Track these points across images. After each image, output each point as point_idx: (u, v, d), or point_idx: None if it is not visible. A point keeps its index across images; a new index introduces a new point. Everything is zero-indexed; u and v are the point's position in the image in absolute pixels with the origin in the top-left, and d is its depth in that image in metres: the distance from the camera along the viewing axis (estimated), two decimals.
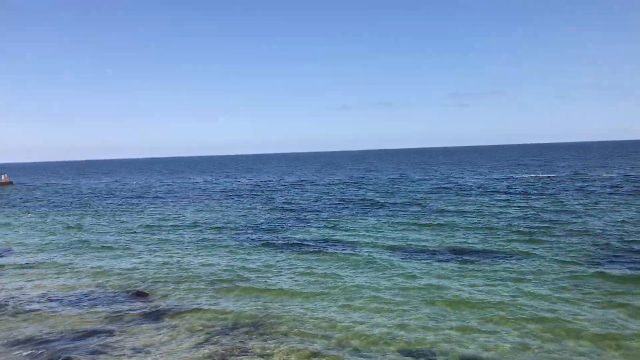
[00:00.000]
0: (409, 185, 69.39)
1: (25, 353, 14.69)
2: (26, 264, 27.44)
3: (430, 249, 27.21)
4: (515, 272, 21.77)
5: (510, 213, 39.00)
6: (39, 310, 18.97)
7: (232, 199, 61.15)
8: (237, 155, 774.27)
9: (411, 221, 36.75)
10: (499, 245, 27.48)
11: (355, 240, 30.41)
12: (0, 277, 24.50)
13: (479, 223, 34.70)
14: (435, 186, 66.25)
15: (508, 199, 48.12)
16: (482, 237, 29.92)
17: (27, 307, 19.38)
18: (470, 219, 36.90)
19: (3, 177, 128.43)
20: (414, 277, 21.60)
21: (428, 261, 24.34)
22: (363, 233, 32.66)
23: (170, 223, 41.25)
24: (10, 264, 27.45)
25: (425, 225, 34.84)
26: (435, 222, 35.58)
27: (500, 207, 42.81)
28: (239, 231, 35.68)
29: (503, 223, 34.33)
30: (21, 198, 76.67)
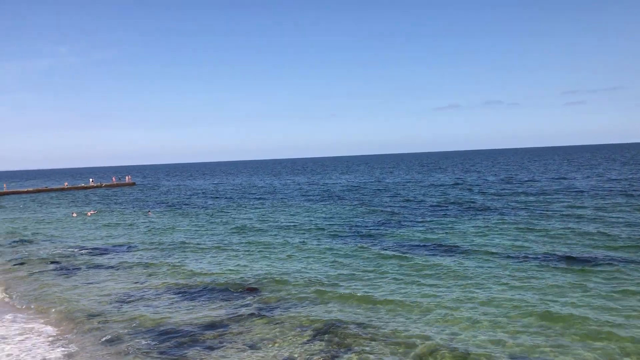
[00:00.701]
0: (517, 187, 66.66)
1: (145, 342, 15.92)
2: (145, 261, 29.55)
3: (540, 256, 25.69)
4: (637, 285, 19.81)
5: (634, 220, 35.46)
6: (158, 304, 20.43)
7: (333, 200, 61.95)
8: (340, 157, 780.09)
9: (519, 226, 34.99)
10: (620, 254, 25.50)
11: (458, 245, 29.54)
12: (121, 273, 26.62)
13: (594, 229, 32.50)
14: (546, 188, 63.16)
15: (631, 203, 44.74)
16: (597, 244, 28.12)
17: (147, 302, 20.94)
18: (584, 224, 34.69)
19: (127, 179, 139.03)
20: (522, 288, 20.19)
21: (539, 270, 23.16)
22: (466, 238, 31.72)
23: (272, 224, 42.63)
24: (130, 261, 29.75)
25: (533, 230, 33.10)
26: (546, 228, 33.84)
27: (622, 211, 39.90)
28: (338, 233, 36.08)
29: (625, 231, 31.30)
30: (142, 198, 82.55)
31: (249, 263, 27.41)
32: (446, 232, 33.87)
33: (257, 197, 73.53)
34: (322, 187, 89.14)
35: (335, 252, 29.27)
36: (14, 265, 29.98)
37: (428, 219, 40.83)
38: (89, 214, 58.49)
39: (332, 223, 41.39)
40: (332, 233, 36.22)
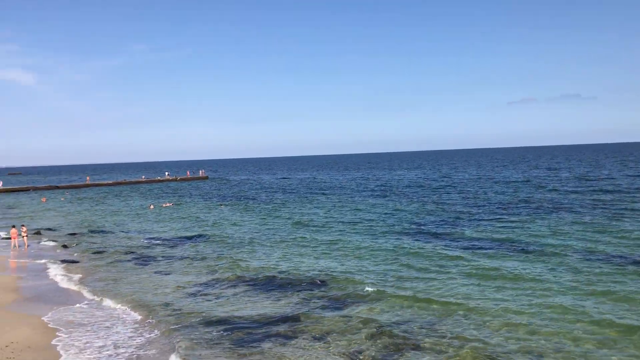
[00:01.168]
0: (593, 185, 63.68)
1: (216, 333, 16.54)
2: (216, 254, 30.49)
3: (617, 260, 24.12)
4: None
5: None
6: (228, 296, 21.12)
7: (398, 196, 61.52)
8: (408, 152, 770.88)
9: (594, 227, 33.22)
10: None
11: (527, 246, 28.52)
12: (194, 265, 27.64)
13: None
14: (625, 186, 60.01)
15: None
16: None
17: (218, 294, 21.69)
18: None
19: (201, 172, 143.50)
20: (595, 295, 18.92)
21: (616, 276, 21.74)
22: (536, 239, 30.48)
23: (338, 220, 42.88)
24: (202, 253, 30.80)
25: (610, 232, 31.27)
26: (624, 229, 31.88)
27: None
28: (402, 231, 35.92)
29: None
30: (214, 192, 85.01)
31: (315, 258, 27.79)
32: (515, 232, 32.92)
33: (323, 192, 74.13)
34: (389, 183, 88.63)
35: (399, 250, 29.13)
36: (93, 253, 31.74)
37: (496, 218, 39.83)
38: (164, 205, 60.86)
39: (397, 220, 41.19)
40: (397, 230, 36.08)
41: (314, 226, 39.83)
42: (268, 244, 32.77)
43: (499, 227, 35.52)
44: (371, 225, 38.71)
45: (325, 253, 29.13)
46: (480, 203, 50.70)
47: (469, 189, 67.63)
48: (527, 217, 39.60)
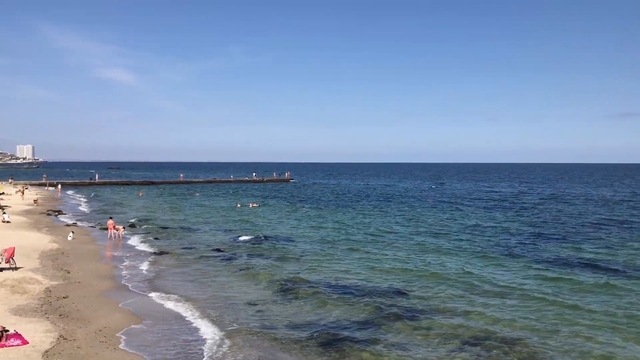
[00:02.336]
0: None
1: (304, 334, 16.59)
2: (298, 255, 30.85)
3: None
4: None
5: None
6: (311, 299, 21.22)
7: (486, 208, 59.65)
8: (497, 164, 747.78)
9: None
10: None
11: (624, 269, 27.01)
12: (278, 264, 28.02)
13: None
14: None
15: None
16: None
17: (301, 294, 21.81)
18: None
19: (287, 175, 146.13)
20: None
21: None
22: (634, 261, 28.79)
23: (422, 228, 42.20)
24: (286, 254, 31.23)
25: None
26: None
27: None
28: (489, 244, 34.76)
29: None
30: (298, 194, 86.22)
31: (396, 266, 27.39)
32: (616, 254, 30.97)
33: (406, 200, 73.36)
34: (477, 194, 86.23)
35: (485, 263, 28.21)
36: (182, 248, 32.96)
37: (592, 237, 37.69)
38: (251, 205, 62.38)
39: (484, 232, 39.88)
40: (483, 243, 34.87)
41: (395, 233, 39.37)
42: (349, 249, 32.77)
43: (598, 247, 33.56)
44: (457, 237, 37.72)
45: (407, 260, 28.68)
46: (576, 221, 48.07)
47: (564, 206, 64.37)
48: (624, 237, 37.10)
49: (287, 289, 22.55)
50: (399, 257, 30.09)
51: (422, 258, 29.65)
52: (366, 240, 36.33)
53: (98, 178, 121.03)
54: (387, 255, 30.66)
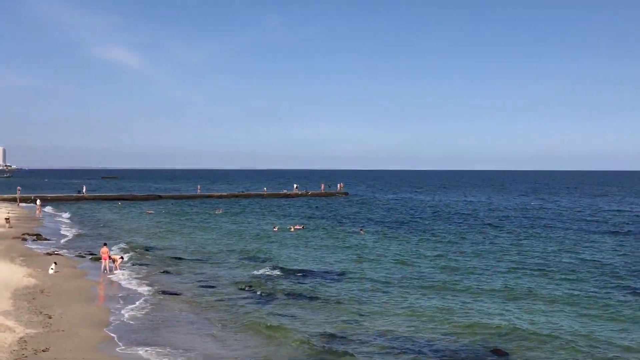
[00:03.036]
0: None
1: None
2: (355, 295, 30.75)
3: None
4: None
5: None
6: (372, 352, 20.96)
7: (619, 234, 57.98)
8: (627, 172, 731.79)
9: None
10: None
11: None
12: (327, 308, 27.76)
13: None
14: None
15: None
16: None
17: (359, 348, 21.55)
18: None
19: (339, 187, 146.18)
20: None
21: None
22: None
23: (526, 261, 41.38)
24: (339, 294, 31.13)
25: None
26: None
27: None
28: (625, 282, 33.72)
29: None
30: (353, 213, 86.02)
31: (492, 313, 26.87)
32: None
33: (503, 221, 72.26)
34: (600, 215, 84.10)
35: (616, 308, 27.46)
36: (201, 287, 33.16)
37: None
38: (293, 228, 62.53)
39: (616, 273, 38.59)
40: (612, 291, 33.64)
41: (486, 269, 38.64)
42: (423, 287, 32.56)
43: None
44: (576, 272, 36.78)
45: (508, 305, 28.15)
46: None
47: None
48: None
49: (336, 340, 22.57)
50: (493, 300, 29.57)
51: (530, 303, 28.93)
52: (445, 279, 35.53)
53: (86, 191, 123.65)
54: (474, 297, 30.18)
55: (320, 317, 26.22)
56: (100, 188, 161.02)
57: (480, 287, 33.07)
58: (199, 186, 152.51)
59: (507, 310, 27.55)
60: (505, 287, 32.76)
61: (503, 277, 35.85)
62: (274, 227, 63.22)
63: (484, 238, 55.03)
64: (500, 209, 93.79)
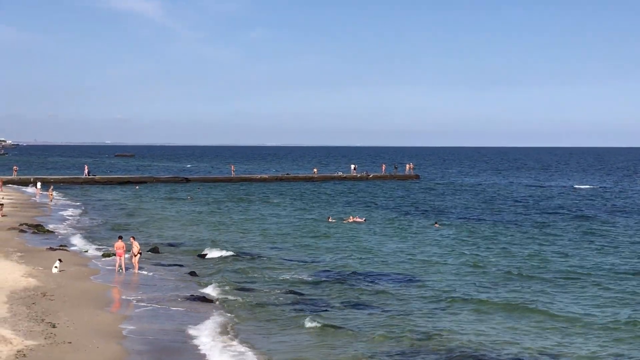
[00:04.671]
0: None
1: None
2: (421, 302, 30.95)
3: None
4: None
5: None
6: None
7: None
8: None
9: None
10: None
11: None
12: (389, 321, 27.58)
13: None
14: None
15: None
16: None
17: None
18: None
19: (407, 167, 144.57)
20: None
21: None
22: None
23: None
24: (408, 300, 31.19)
25: None
26: None
27: None
28: None
29: None
30: (425, 200, 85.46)
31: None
32: None
33: (607, 216, 71.05)
34: None
35: None
36: (235, 289, 33.32)
37: None
38: (351, 219, 62.22)
39: None
40: None
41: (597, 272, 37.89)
42: (503, 306, 31.11)
43: None
44: None
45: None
46: None
47: None
48: None
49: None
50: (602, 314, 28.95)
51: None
52: (539, 284, 35.21)
53: (88, 172, 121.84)
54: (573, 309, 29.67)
55: (383, 331, 26.15)
56: (115, 168, 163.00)
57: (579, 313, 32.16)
58: (232, 167, 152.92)
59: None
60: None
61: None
62: (328, 218, 63.05)
63: (589, 229, 54.40)
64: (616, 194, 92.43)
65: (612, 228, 58.13)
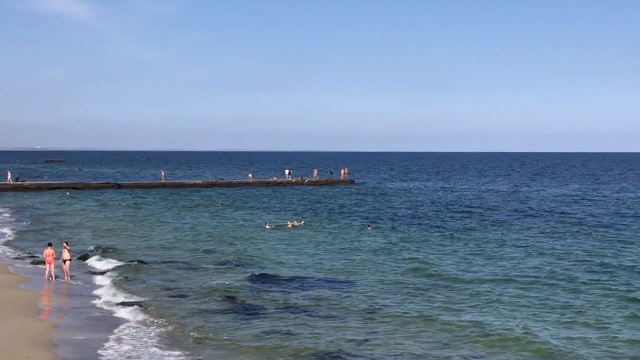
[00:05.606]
0: None
1: None
2: (367, 306, 30.69)
3: None
4: None
5: None
6: None
7: None
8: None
9: None
10: None
11: None
12: (329, 324, 27.88)
13: None
14: None
15: None
16: None
17: None
18: None
19: (343, 173, 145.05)
20: None
21: None
22: None
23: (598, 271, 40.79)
24: (347, 304, 31.13)
25: None
26: None
27: None
28: None
29: None
30: (360, 205, 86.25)
31: (553, 332, 26.85)
32: None
33: (554, 215, 72.47)
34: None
35: None
36: (169, 296, 33.26)
37: None
38: (290, 225, 62.28)
39: None
40: None
41: (532, 277, 38.49)
42: (441, 303, 32.04)
43: None
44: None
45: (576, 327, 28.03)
46: None
47: None
48: None
49: None
50: (551, 322, 29.49)
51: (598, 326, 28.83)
52: (474, 289, 35.45)
53: (11, 178, 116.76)
54: (516, 316, 30.06)
55: (320, 333, 26.34)
56: (43, 174, 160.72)
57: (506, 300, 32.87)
58: (162, 172, 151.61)
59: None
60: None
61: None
62: (266, 225, 62.77)
63: (520, 231, 55.07)
64: (535, 197, 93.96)
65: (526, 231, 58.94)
